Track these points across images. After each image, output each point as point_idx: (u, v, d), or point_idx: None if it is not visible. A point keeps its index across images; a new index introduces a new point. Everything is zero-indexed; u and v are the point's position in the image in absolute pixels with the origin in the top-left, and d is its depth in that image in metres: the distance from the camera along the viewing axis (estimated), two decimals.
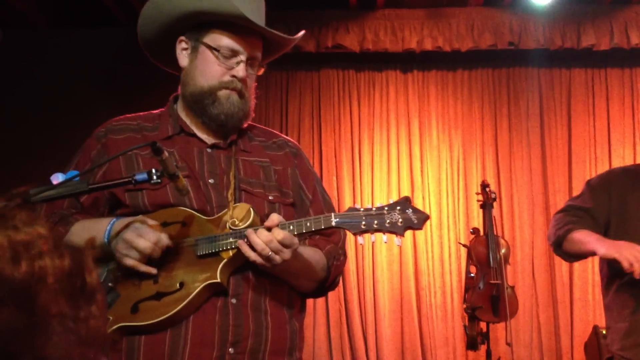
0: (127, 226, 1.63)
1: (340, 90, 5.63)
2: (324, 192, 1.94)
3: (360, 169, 5.50)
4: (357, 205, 1.64)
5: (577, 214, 2.60)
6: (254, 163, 1.83)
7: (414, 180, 5.47)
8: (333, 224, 1.60)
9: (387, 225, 1.58)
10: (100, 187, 1.62)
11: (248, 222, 1.62)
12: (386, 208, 1.60)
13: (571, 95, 5.53)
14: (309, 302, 1.91)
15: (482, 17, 5.22)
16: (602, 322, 4.91)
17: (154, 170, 1.54)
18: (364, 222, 1.58)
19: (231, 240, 1.62)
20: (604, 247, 2.35)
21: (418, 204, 5.22)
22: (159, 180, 1.55)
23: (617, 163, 5.34)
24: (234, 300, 1.67)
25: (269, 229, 1.58)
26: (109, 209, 1.78)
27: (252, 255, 1.58)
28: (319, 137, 5.55)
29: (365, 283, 5.33)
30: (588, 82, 5.53)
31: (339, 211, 1.64)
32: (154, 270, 1.64)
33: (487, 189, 4.56)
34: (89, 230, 1.70)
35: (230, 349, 1.64)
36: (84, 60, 5.16)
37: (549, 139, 5.50)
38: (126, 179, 1.57)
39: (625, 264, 2.23)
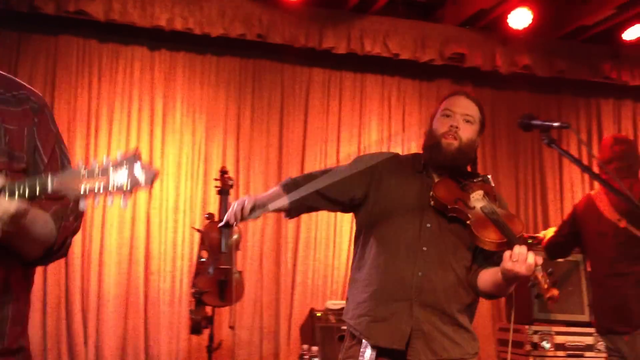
0: None
1: (80, 60, 5.31)
2: (63, 155, 1.70)
3: (95, 146, 5.25)
4: (80, 163, 1.45)
5: None
6: None
7: (153, 162, 5.35)
8: (49, 190, 1.41)
9: (111, 187, 1.42)
10: None
11: None
12: (112, 167, 1.43)
13: (309, 93, 5.85)
14: None
15: (235, 5, 5.26)
16: (317, 305, 5.34)
17: None
18: (86, 186, 1.42)
19: None
20: None
21: (155, 187, 5.12)
22: None
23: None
24: None
25: None
26: None
27: None
28: (51, 108, 5.15)
29: (91, 267, 5.14)
30: (325, 82, 5.90)
31: None
32: None
33: (225, 176, 4.64)
34: None
35: None
36: None
37: (287, 131, 5.77)
38: None
39: None
